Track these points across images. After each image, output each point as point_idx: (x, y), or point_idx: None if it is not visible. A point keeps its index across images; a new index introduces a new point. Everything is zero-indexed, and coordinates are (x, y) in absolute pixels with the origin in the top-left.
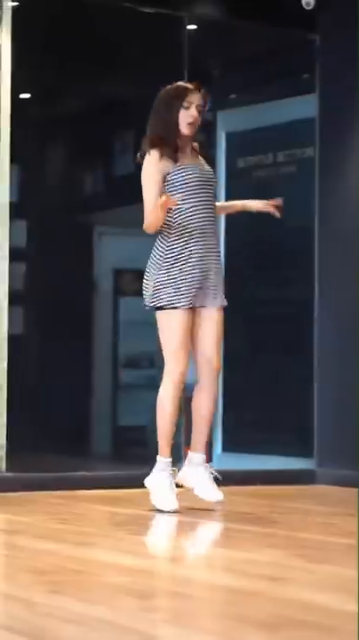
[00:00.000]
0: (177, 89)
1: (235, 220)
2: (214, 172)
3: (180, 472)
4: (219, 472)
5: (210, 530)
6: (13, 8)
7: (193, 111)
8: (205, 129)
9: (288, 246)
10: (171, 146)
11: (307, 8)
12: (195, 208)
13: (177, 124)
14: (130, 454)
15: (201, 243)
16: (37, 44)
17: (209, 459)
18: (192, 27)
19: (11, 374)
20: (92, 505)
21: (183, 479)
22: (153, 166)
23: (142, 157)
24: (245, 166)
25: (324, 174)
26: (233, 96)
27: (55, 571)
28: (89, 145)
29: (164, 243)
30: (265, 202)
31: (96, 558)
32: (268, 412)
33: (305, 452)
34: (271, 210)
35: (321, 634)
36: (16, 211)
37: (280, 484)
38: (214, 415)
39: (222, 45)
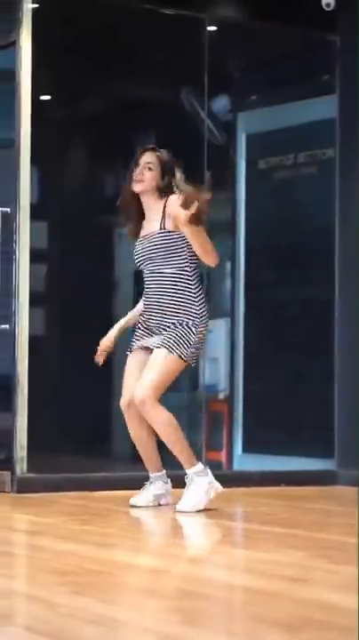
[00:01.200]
0: (137, 152)
1: (256, 221)
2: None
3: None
4: (239, 473)
5: (230, 531)
6: (33, 10)
7: (138, 170)
8: (226, 130)
9: (309, 247)
10: (130, 216)
11: (327, 9)
12: (144, 277)
13: (130, 183)
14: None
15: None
16: (57, 45)
17: (229, 460)
18: (212, 28)
19: (31, 375)
20: (113, 506)
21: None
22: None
23: None
24: (266, 167)
25: (345, 175)
26: (253, 97)
27: (76, 571)
28: (109, 146)
29: None
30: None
31: (117, 559)
32: (289, 413)
33: (325, 452)
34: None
35: (342, 634)
36: (37, 212)
37: (300, 485)
38: (234, 415)
39: (242, 47)
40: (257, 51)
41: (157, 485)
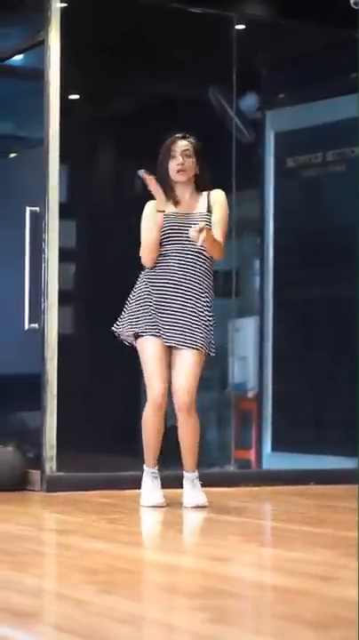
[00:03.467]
0: (166, 142)
1: (284, 219)
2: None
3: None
4: (268, 471)
5: (259, 529)
6: (62, 9)
7: (178, 159)
8: (254, 128)
9: (337, 245)
10: (164, 195)
11: (355, 7)
12: (168, 253)
13: (168, 174)
14: (178, 454)
15: (166, 287)
16: (86, 44)
17: (258, 458)
18: (241, 26)
19: (60, 374)
20: (142, 505)
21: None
22: (149, 210)
23: None
24: (294, 166)
25: None
26: (282, 95)
27: (105, 570)
28: (138, 145)
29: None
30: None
31: (146, 558)
32: (318, 412)
33: (354, 451)
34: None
35: None
36: (65, 211)
37: (329, 484)
38: (263, 414)
39: (271, 45)
40: (285, 49)
41: (159, 481)
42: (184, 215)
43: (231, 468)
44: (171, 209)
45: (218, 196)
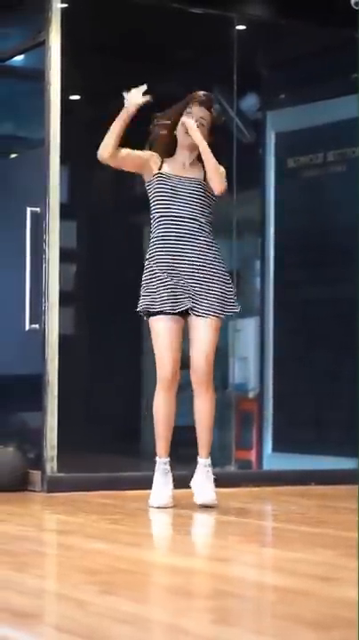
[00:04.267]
0: (189, 96)
1: (285, 220)
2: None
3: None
4: (269, 472)
5: (259, 529)
6: (63, 9)
7: (184, 120)
8: (255, 129)
9: (338, 245)
10: (165, 148)
11: (355, 7)
12: (165, 218)
13: (176, 125)
14: (179, 454)
15: (173, 251)
16: (87, 45)
17: (259, 459)
18: (241, 27)
19: (61, 375)
20: (143, 505)
21: (192, 485)
22: (148, 151)
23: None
24: (295, 166)
25: None
26: (282, 96)
27: (106, 571)
28: (139, 145)
29: (147, 253)
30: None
31: (147, 558)
32: (319, 412)
33: (355, 451)
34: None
35: None
36: (66, 212)
37: (330, 484)
38: (264, 414)
39: (271, 45)
40: (286, 49)
41: (171, 476)
42: (184, 178)
43: (232, 468)
44: (172, 169)
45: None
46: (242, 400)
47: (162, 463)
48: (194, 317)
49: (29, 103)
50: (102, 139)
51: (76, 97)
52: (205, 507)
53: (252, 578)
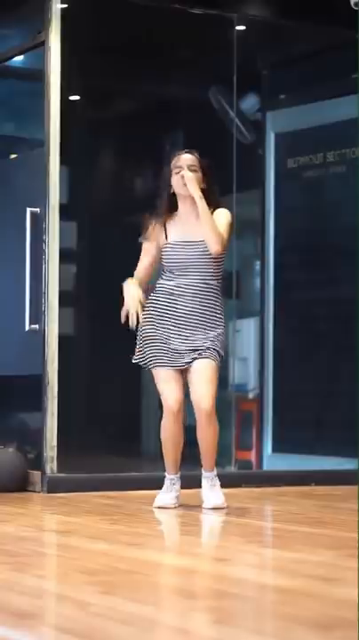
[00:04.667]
0: (170, 164)
1: (285, 220)
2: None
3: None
4: (270, 473)
5: (260, 530)
6: (62, 10)
7: (182, 172)
8: (255, 129)
9: (338, 246)
10: (165, 214)
11: (355, 8)
12: (174, 281)
13: (173, 192)
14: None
15: (173, 318)
16: (86, 45)
17: (259, 459)
18: (241, 27)
19: (61, 375)
20: (143, 505)
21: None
22: (146, 241)
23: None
24: (295, 166)
25: None
26: (282, 96)
27: (106, 571)
28: (138, 146)
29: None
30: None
31: (147, 559)
32: (318, 413)
33: (356, 452)
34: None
35: None
36: (66, 212)
37: (330, 485)
38: (264, 415)
39: (271, 46)
40: (285, 49)
41: (178, 486)
42: (188, 244)
43: (232, 468)
44: (176, 236)
45: (221, 214)
46: (242, 400)
47: (169, 478)
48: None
49: (29, 104)
50: (102, 140)
51: (76, 97)
52: (215, 508)
53: (253, 578)
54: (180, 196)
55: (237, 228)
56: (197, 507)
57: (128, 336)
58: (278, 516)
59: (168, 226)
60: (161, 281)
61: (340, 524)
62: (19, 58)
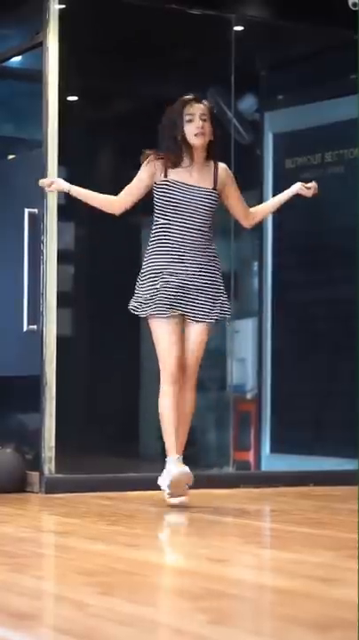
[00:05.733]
0: (177, 104)
1: (283, 221)
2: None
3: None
4: (268, 473)
5: (258, 531)
6: (60, 11)
7: (197, 122)
8: (253, 130)
9: (336, 246)
10: (170, 158)
11: (354, 9)
12: (170, 225)
13: (184, 138)
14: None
15: (173, 258)
16: (84, 46)
17: (257, 460)
18: (239, 28)
19: (59, 376)
20: (142, 506)
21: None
22: (143, 166)
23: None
24: (293, 167)
25: None
26: (280, 97)
27: (105, 572)
28: (136, 146)
29: (145, 254)
30: (298, 185)
31: (146, 560)
32: (317, 413)
33: (354, 452)
34: (304, 192)
35: None
36: (64, 213)
37: (329, 485)
38: (262, 415)
39: (269, 46)
40: (283, 50)
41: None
42: (193, 188)
43: (230, 469)
44: (180, 177)
45: (226, 174)
46: (240, 401)
47: (174, 459)
48: (187, 321)
49: (27, 104)
50: (101, 140)
51: (74, 98)
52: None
53: (251, 579)
54: (189, 144)
55: (235, 228)
56: (196, 507)
57: (126, 336)
58: (276, 516)
59: (168, 166)
60: (157, 226)
61: (339, 524)
62: (18, 58)
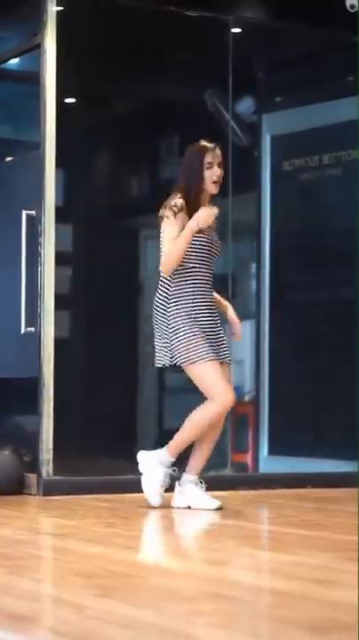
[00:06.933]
0: (198, 150)
1: (281, 223)
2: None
3: (175, 498)
4: (266, 475)
5: (255, 532)
6: (58, 12)
7: (216, 170)
8: (251, 131)
9: (334, 248)
10: (193, 204)
11: (351, 10)
12: (197, 275)
13: (203, 183)
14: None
15: (207, 308)
16: (82, 48)
17: (255, 462)
18: (236, 30)
19: (57, 378)
20: (139, 508)
21: (179, 502)
22: (173, 222)
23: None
24: (291, 169)
25: None
26: (278, 99)
27: (102, 574)
28: (134, 148)
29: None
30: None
31: (143, 562)
32: (315, 415)
33: (352, 454)
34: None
35: None
36: (62, 215)
37: (327, 487)
38: (260, 417)
39: (267, 48)
40: (281, 52)
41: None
42: (210, 235)
43: (228, 471)
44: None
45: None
46: (238, 403)
47: (171, 462)
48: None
49: (25, 106)
50: (98, 142)
51: (72, 100)
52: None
53: (249, 581)
54: (205, 191)
55: (233, 230)
56: (194, 510)
57: (124, 338)
58: (274, 518)
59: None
60: (189, 276)
61: (336, 526)
62: (15, 60)
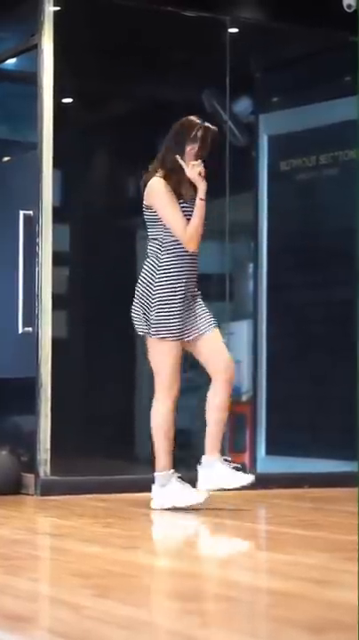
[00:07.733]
0: (193, 124)
1: (278, 223)
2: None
3: (200, 479)
4: (263, 475)
5: (253, 533)
6: (55, 13)
7: (207, 148)
8: (248, 132)
9: (331, 248)
10: (177, 180)
11: (348, 10)
12: (181, 247)
13: (183, 159)
14: (173, 457)
15: (187, 282)
16: (79, 48)
17: (252, 462)
18: (234, 30)
19: (54, 378)
20: (137, 508)
21: (205, 483)
22: (167, 191)
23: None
24: (288, 169)
25: None
26: (275, 99)
27: (100, 574)
28: (131, 148)
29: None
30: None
31: (140, 561)
32: (312, 415)
33: (349, 454)
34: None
35: None
36: (59, 215)
37: (324, 487)
38: (258, 417)
39: (264, 48)
40: (278, 52)
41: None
42: (192, 207)
43: None
44: (182, 200)
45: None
46: (235, 403)
47: (175, 475)
48: (199, 336)
49: (22, 106)
50: (95, 142)
51: (69, 100)
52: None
53: (247, 581)
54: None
55: (230, 230)
56: (191, 509)
57: (121, 338)
58: (271, 518)
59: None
60: (175, 247)
61: (334, 526)
62: (12, 60)
